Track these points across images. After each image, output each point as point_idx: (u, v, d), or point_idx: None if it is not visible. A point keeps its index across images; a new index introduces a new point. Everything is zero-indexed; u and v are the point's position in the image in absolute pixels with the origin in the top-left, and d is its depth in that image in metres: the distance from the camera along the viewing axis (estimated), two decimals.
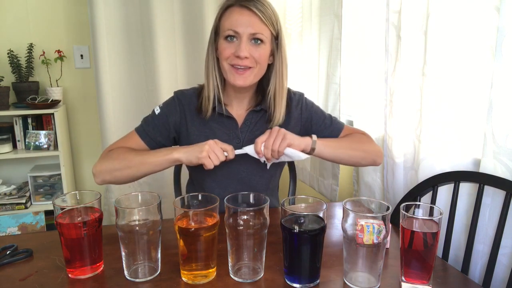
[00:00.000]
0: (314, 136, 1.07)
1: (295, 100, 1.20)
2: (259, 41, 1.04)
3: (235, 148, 1.05)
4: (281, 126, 1.09)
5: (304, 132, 1.19)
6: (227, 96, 1.16)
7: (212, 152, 0.98)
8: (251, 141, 1.08)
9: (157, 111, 1.16)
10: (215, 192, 0.86)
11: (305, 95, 1.23)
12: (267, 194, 1.13)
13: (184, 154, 1.01)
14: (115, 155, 1.08)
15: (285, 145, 1.00)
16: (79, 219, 0.80)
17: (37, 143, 2.23)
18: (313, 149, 1.06)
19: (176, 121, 1.15)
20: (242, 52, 1.02)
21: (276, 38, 1.08)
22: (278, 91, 1.11)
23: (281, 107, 1.12)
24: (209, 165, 0.98)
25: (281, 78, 1.11)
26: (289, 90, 1.20)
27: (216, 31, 1.09)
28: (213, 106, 1.12)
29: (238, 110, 1.17)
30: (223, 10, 1.07)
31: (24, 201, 2.20)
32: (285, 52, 1.10)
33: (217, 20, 1.08)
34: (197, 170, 1.15)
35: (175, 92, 1.19)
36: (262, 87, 1.16)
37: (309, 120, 1.20)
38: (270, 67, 1.12)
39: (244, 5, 1.03)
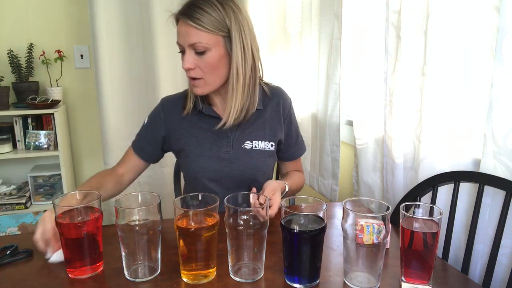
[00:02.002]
0: (287, 187, 1.13)
1: (282, 100, 1.20)
2: (201, 50, 1.01)
3: (227, 146, 1.12)
4: (241, 122, 1.12)
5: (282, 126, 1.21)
6: (211, 97, 1.16)
7: None
8: (242, 138, 1.13)
9: (145, 121, 1.20)
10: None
11: (292, 102, 1.25)
12: None
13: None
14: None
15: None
16: (79, 219, 0.80)
17: (37, 143, 2.23)
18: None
19: (162, 130, 1.17)
20: (183, 65, 1.03)
21: (230, 38, 1.03)
22: (229, 87, 1.07)
23: (232, 103, 1.08)
24: None
25: (234, 76, 1.06)
26: (267, 86, 1.20)
27: None
28: (199, 108, 1.13)
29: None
30: (177, 24, 1.07)
31: (24, 201, 2.20)
32: (239, 49, 1.03)
33: None
34: (190, 174, 1.19)
35: (161, 99, 1.21)
36: None
37: (287, 129, 1.22)
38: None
39: (180, 17, 1.03)
